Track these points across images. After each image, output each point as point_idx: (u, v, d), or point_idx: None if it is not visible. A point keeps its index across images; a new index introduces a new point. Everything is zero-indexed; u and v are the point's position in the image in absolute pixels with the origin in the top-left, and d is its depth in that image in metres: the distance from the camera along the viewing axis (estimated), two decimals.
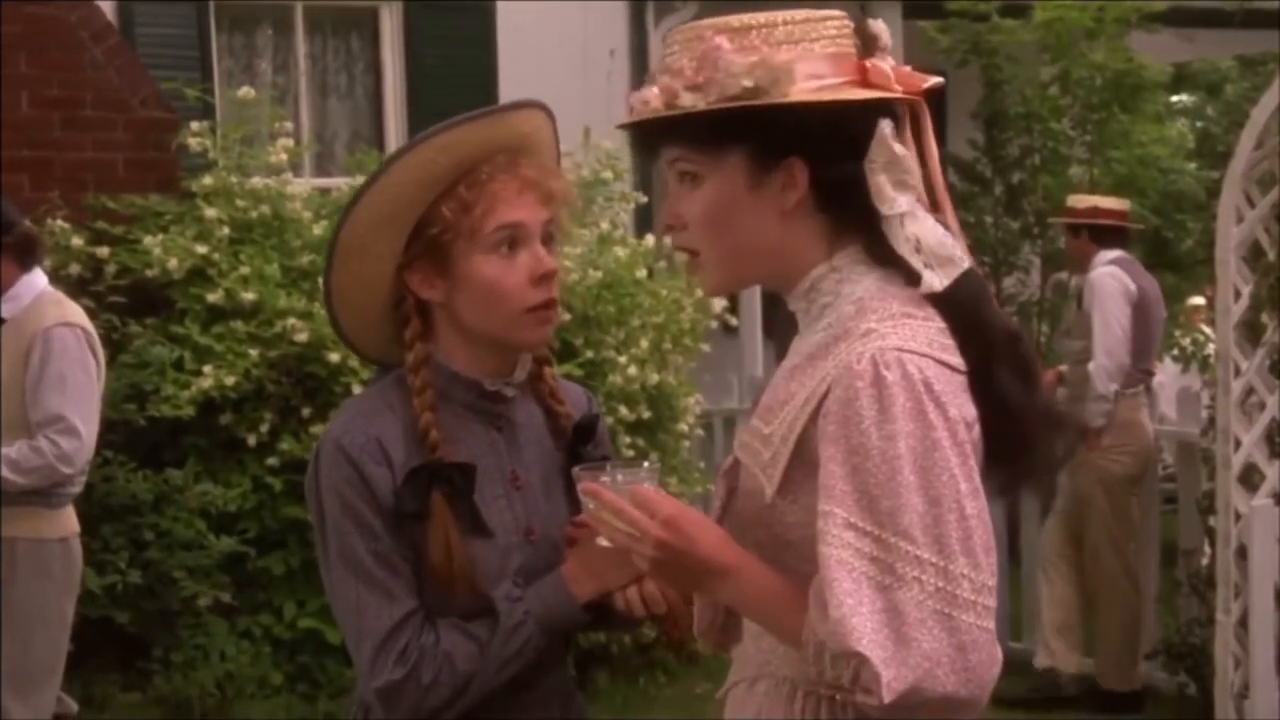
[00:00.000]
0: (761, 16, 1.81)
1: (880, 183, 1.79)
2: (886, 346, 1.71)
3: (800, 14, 1.82)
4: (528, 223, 2.04)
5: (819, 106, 1.77)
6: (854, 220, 1.82)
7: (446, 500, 2.00)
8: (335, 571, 2.03)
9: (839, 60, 1.82)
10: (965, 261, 1.81)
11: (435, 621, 2.03)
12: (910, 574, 1.64)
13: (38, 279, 4.22)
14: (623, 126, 1.87)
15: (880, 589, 1.64)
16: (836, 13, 1.84)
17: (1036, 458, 1.86)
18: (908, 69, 1.85)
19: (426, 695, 2.00)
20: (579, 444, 2.18)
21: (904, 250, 1.79)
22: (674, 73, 1.80)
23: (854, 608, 1.63)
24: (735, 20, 1.81)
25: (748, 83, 1.76)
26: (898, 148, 1.79)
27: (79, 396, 4.09)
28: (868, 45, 1.83)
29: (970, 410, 1.75)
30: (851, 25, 1.85)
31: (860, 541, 1.65)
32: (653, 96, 1.81)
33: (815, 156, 1.79)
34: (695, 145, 1.83)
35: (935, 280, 1.79)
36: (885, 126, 1.79)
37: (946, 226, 1.85)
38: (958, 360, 1.77)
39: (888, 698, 1.60)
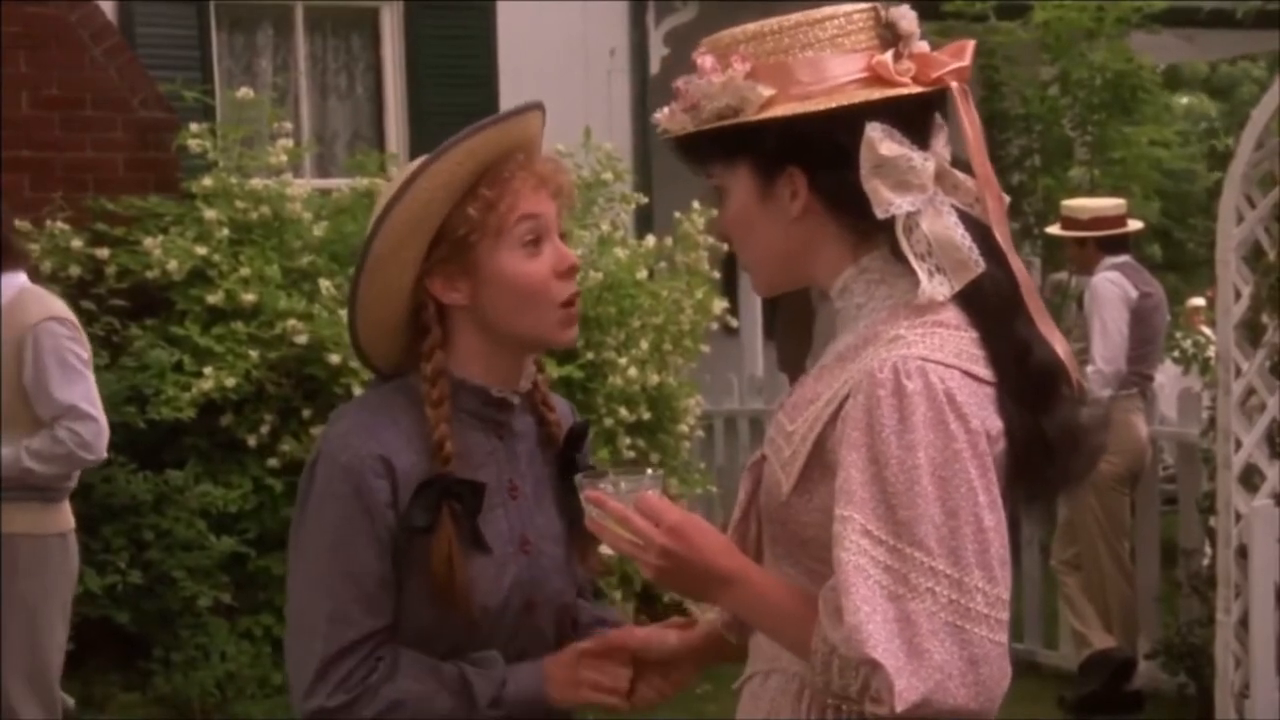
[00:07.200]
0: (752, 28, 1.81)
1: (875, 187, 1.76)
2: (910, 355, 1.69)
3: (792, 19, 1.80)
4: (547, 215, 2.04)
5: (798, 119, 1.76)
6: (877, 222, 1.78)
7: (452, 517, 1.98)
8: (301, 578, 2.02)
9: (842, 61, 1.79)
10: (980, 265, 1.77)
11: (401, 657, 1.99)
12: (924, 585, 1.62)
13: (17, 277, 4.21)
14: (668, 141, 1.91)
15: (893, 598, 1.63)
16: (840, 9, 1.82)
17: (1055, 474, 1.81)
18: (938, 55, 1.82)
19: None
20: (570, 451, 2.16)
21: (910, 255, 1.77)
22: (677, 94, 1.83)
23: (869, 615, 1.61)
24: (727, 35, 1.82)
25: (719, 104, 1.79)
26: (888, 148, 1.75)
27: (82, 383, 4.14)
28: (891, 34, 1.81)
29: (995, 423, 1.73)
30: (869, 17, 1.82)
31: (876, 549, 1.64)
32: (663, 118, 1.86)
33: (811, 165, 1.79)
34: (710, 162, 1.87)
35: (937, 289, 1.75)
36: (873, 130, 1.76)
37: (986, 210, 1.82)
38: (986, 372, 1.74)
39: (899, 708, 1.59)
